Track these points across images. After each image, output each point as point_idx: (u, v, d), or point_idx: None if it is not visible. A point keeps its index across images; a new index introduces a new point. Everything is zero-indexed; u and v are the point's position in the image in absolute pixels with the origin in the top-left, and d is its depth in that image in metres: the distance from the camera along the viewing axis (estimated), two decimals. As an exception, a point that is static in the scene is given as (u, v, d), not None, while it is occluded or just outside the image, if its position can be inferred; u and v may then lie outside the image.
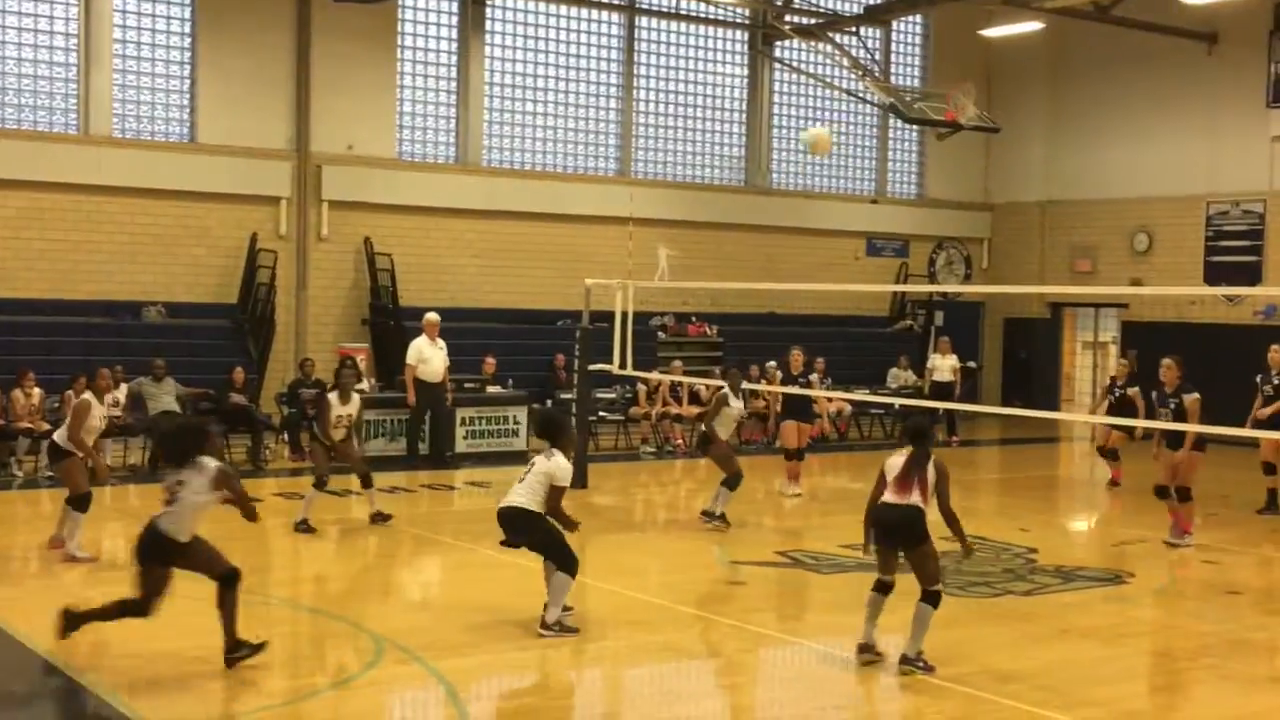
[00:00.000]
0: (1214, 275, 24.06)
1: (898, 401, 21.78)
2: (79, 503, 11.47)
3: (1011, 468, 17.50)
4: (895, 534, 8.60)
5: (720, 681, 8.78)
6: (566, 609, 9.34)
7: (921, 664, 8.49)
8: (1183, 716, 7.94)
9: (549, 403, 19.91)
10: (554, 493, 9.22)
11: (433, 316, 18.02)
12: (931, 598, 8.50)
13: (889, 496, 8.64)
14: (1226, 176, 24.04)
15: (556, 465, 9.26)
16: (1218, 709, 8.39)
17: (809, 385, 16.81)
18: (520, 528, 9.30)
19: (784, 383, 16.95)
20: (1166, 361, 13.12)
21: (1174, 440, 12.94)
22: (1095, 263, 26.11)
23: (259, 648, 8.32)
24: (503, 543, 9.57)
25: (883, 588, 8.65)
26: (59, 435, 11.70)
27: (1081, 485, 19.79)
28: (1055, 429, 24.42)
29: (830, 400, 21.12)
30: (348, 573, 12.10)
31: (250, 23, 20.43)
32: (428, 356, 17.66)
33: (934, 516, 8.66)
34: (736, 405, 14.12)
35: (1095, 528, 15.75)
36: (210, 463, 8.38)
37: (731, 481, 13.60)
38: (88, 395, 11.74)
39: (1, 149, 18.86)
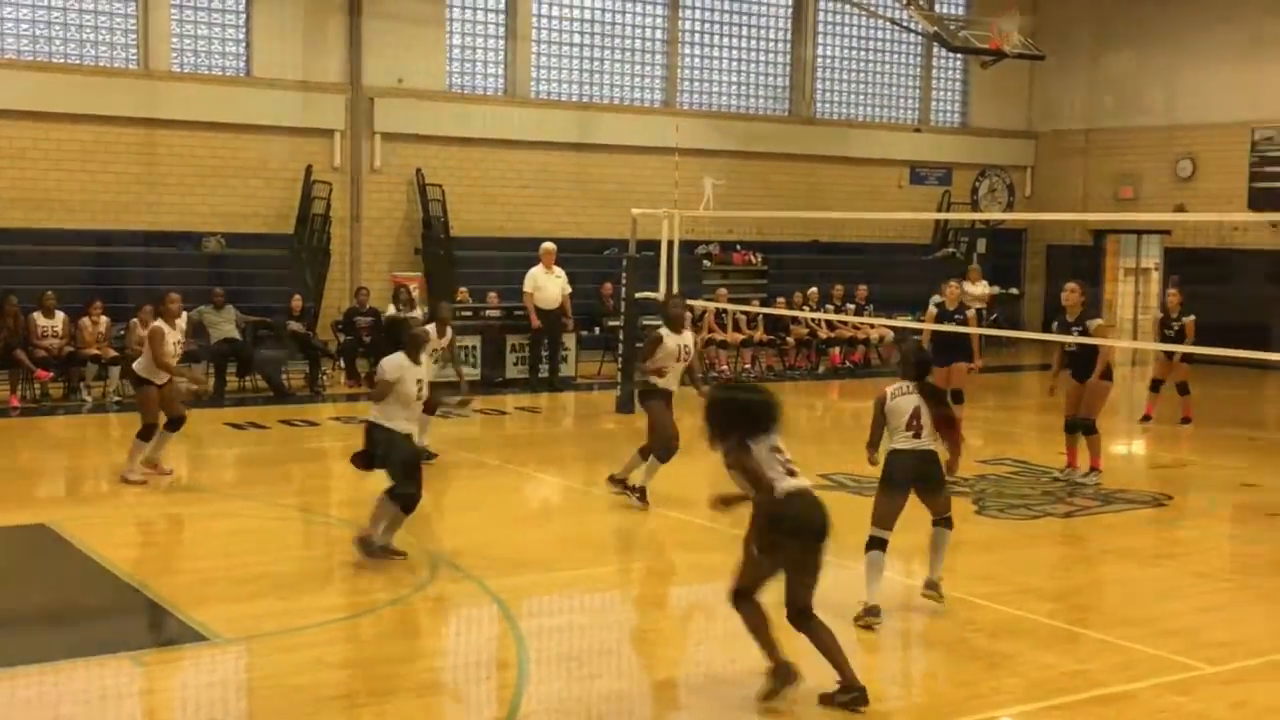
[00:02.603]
0: (1258, 201, 23.63)
1: (933, 327, 21.62)
2: (146, 432, 11.54)
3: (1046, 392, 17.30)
4: (920, 480, 8.03)
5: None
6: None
7: (940, 592, 8.21)
8: (1222, 636, 7.90)
9: (596, 331, 19.94)
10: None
11: (549, 245, 18.47)
12: (945, 522, 8.19)
13: (912, 443, 7.95)
14: (1272, 103, 23.53)
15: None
16: (1256, 627, 8.36)
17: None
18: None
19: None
20: (1070, 286, 12.37)
21: (1080, 372, 12.29)
22: (1138, 189, 25.71)
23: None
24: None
25: (880, 543, 8.01)
26: (138, 365, 11.66)
27: (1121, 411, 19.62)
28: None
29: (873, 326, 21.02)
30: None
31: (302, -43, 20.31)
32: (543, 284, 18.18)
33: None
34: (676, 340, 11.08)
35: (1134, 452, 15.64)
36: None
37: (654, 451, 10.83)
38: (158, 322, 11.64)
39: (65, 85, 18.95)
